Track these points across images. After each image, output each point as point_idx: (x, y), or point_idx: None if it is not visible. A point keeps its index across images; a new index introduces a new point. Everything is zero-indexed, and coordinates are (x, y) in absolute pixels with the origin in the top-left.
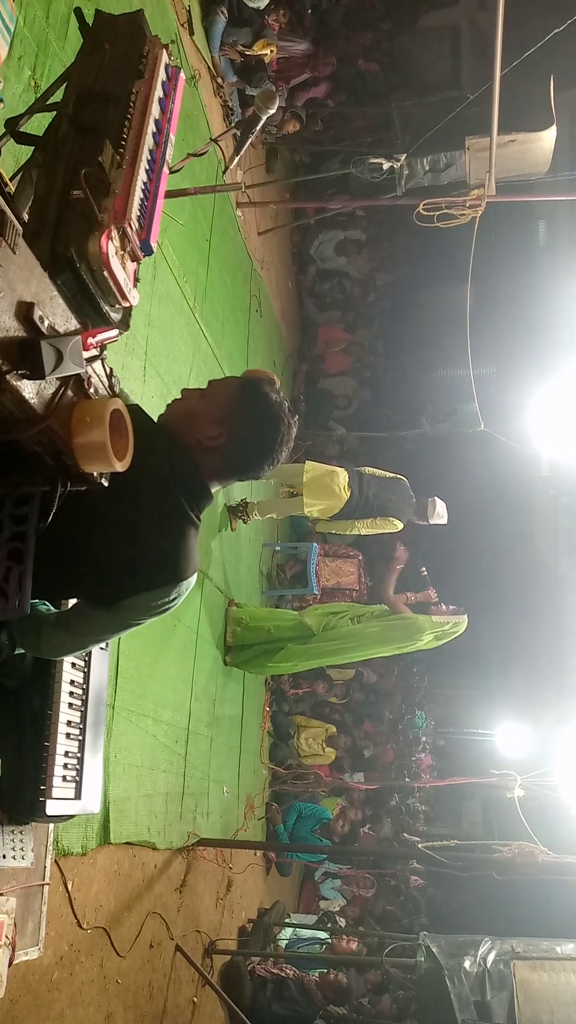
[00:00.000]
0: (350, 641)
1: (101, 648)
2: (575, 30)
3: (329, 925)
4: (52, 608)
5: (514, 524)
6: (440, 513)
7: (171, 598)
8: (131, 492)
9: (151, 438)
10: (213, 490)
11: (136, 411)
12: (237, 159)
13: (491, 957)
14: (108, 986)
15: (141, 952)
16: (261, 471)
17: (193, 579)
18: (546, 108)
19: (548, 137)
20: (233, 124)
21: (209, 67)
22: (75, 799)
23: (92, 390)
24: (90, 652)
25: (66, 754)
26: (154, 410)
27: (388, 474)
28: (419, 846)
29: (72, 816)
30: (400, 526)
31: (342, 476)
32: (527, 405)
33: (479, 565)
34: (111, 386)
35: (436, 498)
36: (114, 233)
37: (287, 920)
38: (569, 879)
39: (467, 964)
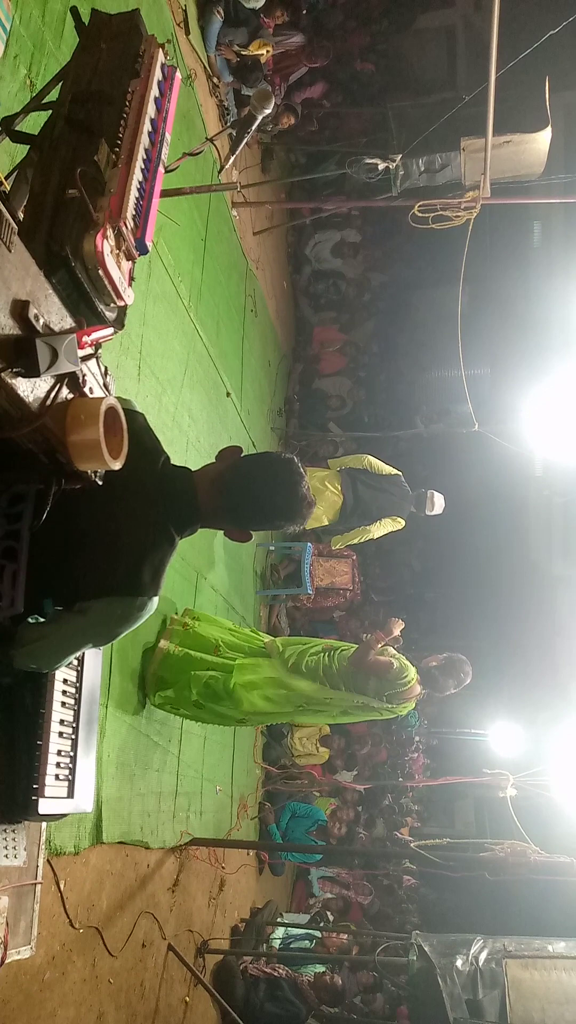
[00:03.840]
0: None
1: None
2: (570, 32)
3: (321, 923)
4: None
5: (508, 524)
6: (437, 505)
7: (131, 613)
8: (118, 496)
9: (149, 451)
10: (202, 522)
11: (140, 422)
12: (233, 159)
13: (483, 956)
14: (100, 986)
15: (133, 951)
16: (257, 516)
17: (153, 604)
18: (541, 110)
19: (543, 138)
20: (229, 124)
21: (205, 67)
22: (68, 798)
23: (87, 388)
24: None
25: (59, 753)
26: (147, 408)
27: (386, 469)
28: (412, 845)
29: (65, 815)
30: (403, 523)
31: (333, 479)
32: (521, 406)
33: (473, 565)
34: (106, 384)
35: (433, 491)
36: (109, 232)
37: (279, 920)
38: (561, 878)
39: (459, 963)
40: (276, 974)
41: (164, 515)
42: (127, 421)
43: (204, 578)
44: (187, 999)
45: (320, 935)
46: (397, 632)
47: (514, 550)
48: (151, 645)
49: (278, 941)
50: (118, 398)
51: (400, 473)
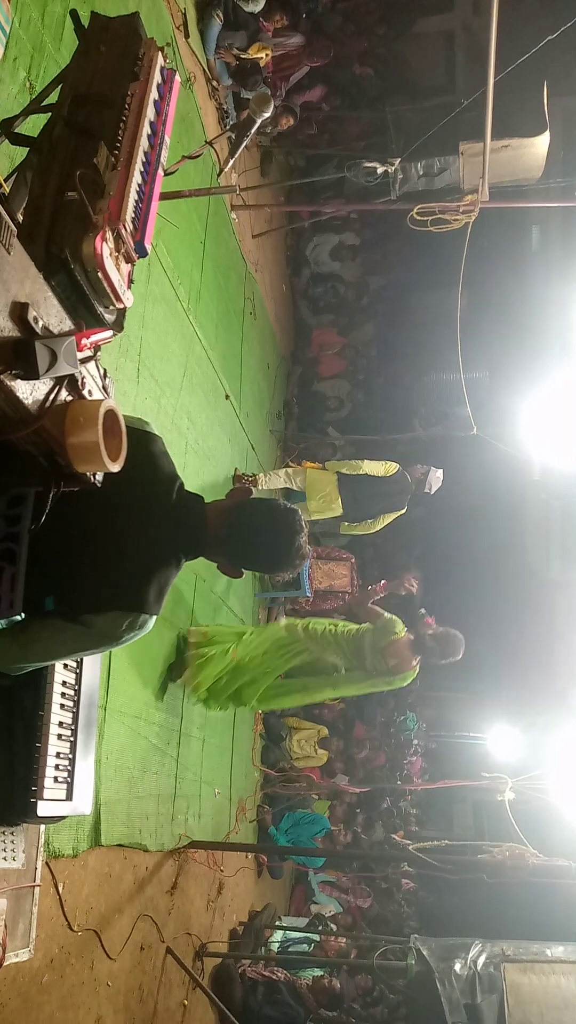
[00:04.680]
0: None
1: None
2: (568, 37)
3: (320, 928)
4: None
5: (506, 528)
6: (435, 483)
7: (132, 628)
8: (133, 516)
9: (167, 475)
10: (204, 553)
11: (160, 446)
12: (232, 161)
13: (481, 960)
14: (98, 988)
15: (132, 954)
16: (252, 556)
17: (151, 623)
18: (539, 114)
19: (541, 143)
20: (228, 127)
21: (204, 70)
22: (66, 800)
23: (86, 391)
24: None
25: (58, 755)
26: (146, 410)
27: (381, 470)
28: (410, 848)
29: (63, 817)
30: (404, 510)
31: (335, 489)
32: (519, 409)
33: (471, 569)
34: (105, 387)
35: (431, 468)
36: (108, 235)
37: (278, 923)
38: (559, 881)
39: (457, 967)
40: (275, 977)
41: (175, 539)
42: (147, 443)
43: (203, 580)
44: (185, 1002)
45: (319, 939)
46: (412, 587)
47: (512, 554)
48: (156, 653)
49: (276, 944)
50: (137, 419)
51: (398, 467)
